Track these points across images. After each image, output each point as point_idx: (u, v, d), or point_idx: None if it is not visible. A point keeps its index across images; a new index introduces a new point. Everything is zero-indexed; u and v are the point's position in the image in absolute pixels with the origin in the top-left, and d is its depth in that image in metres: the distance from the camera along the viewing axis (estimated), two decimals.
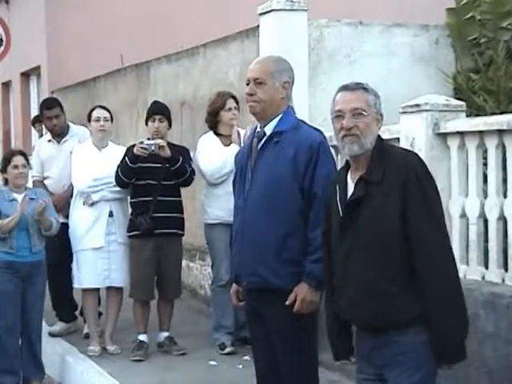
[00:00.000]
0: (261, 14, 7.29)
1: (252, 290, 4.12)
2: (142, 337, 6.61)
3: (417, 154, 3.63)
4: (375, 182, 3.39)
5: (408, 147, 5.24)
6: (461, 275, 4.95)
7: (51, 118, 7.28)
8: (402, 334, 3.37)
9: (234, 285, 4.31)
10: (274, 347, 4.10)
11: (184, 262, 7.58)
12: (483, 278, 5.23)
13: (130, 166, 6.46)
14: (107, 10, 13.74)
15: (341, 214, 3.47)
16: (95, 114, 6.81)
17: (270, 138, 4.10)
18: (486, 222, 5.27)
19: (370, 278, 3.36)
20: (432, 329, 3.33)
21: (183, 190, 6.77)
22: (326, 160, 4.06)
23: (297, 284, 4.01)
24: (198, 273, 8.49)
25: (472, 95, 7.03)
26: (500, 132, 5.11)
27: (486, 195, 5.29)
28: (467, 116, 5.78)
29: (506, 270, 5.09)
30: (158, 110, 6.69)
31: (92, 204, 6.65)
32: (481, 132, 5.25)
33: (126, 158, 6.49)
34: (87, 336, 7.00)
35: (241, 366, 6.21)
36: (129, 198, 6.75)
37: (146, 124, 6.71)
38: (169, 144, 6.55)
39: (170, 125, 6.72)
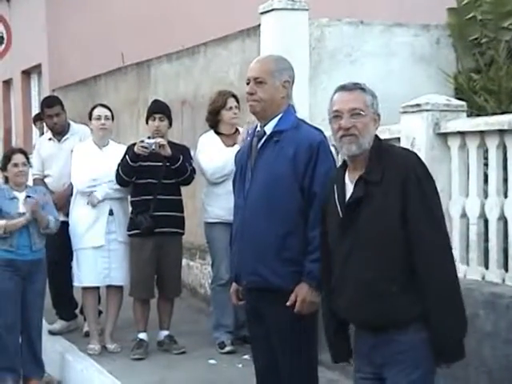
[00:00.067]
0: (262, 13, 7.29)
1: (252, 289, 4.12)
2: (142, 335, 6.61)
3: (416, 154, 3.63)
4: (375, 182, 3.39)
5: (408, 147, 5.23)
6: (461, 275, 5.00)
7: (52, 116, 7.28)
8: (401, 333, 3.38)
9: (234, 284, 4.30)
10: (274, 347, 4.09)
11: (184, 261, 7.58)
12: (483, 278, 5.22)
13: (131, 164, 6.45)
14: (108, 8, 13.74)
15: (340, 215, 3.47)
16: (96, 112, 6.80)
17: (270, 137, 4.10)
18: (486, 222, 5.27)
19: (369, 278, 3.36)
20: (431, 328, 3.34)
21: (183, 189, 6.77)
22: (326, 158, 4.05)
23: (297, 283, 4.00)
24: (198, 272, 8.49)
25: (473, 95, 7.03)
26: (501, 132, 5.10)
27: (486, 195, 5.28)
28: (468, 116, 5.78)
29: (507, 270, 5.09)
30: (159, 109, 6.69)
31: (97, 203, 6.64)
32: (482, 132, 5.24)
33: (127, 157, 6.49)
34: (87, 334, 7.01)
35: (240, 365, 6.21)
36: (129, 196, 6.76)
37: (147, 123, 6.71)
38: (169, 143, 6.55)
39: (170, 124, 6.71)
